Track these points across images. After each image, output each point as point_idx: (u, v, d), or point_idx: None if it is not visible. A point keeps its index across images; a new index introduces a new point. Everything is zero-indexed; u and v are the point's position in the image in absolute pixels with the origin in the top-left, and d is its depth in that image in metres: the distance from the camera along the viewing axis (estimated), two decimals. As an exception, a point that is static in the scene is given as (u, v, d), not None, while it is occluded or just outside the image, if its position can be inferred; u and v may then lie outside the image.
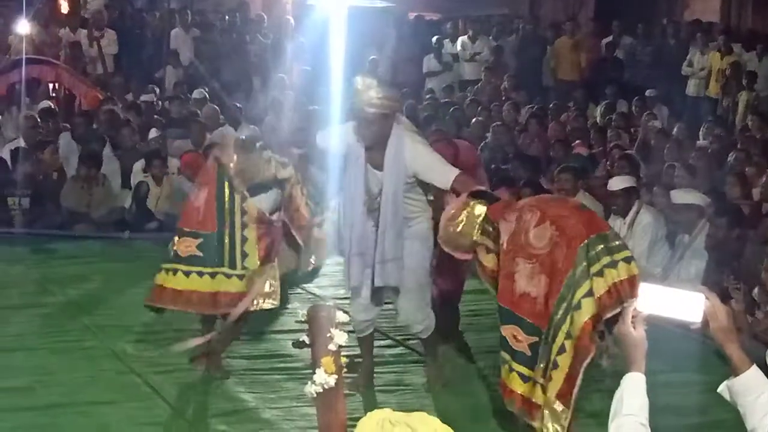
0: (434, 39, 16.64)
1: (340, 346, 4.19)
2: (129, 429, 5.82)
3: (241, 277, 6.26)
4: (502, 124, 12.52)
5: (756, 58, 14.27)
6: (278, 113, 13.41)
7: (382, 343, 7.26)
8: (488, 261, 5.35)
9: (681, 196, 8.47)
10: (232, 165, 6.39)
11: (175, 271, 6.30)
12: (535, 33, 16.94)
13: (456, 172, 5.79)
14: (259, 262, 6.26)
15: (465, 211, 5.43)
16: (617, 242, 5.00)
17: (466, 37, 16.37)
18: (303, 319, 4.33)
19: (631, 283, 4.76)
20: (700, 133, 12.20)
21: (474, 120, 12.96)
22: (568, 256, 4.91)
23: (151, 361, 6.79)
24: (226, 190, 6.31)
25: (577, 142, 12.03)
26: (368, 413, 2.31)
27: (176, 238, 6.36)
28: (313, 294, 8.60)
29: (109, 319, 7.81)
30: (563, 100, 14.32)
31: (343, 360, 4.35)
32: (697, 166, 10.27)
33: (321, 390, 4.19)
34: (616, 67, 15.58)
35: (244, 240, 6.26)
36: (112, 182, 11.07)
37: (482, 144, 11.83)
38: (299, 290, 8.67)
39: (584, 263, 4.86)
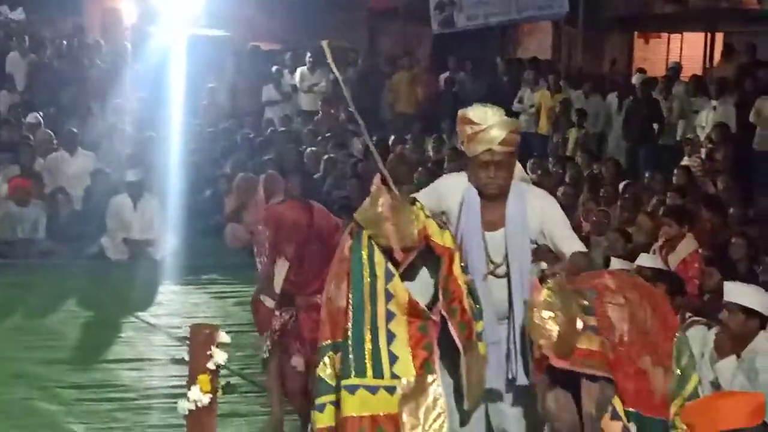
0: (273, 69, 16.68)
1: (219, 366, 4.15)
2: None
3: (391, 390, 4.38)
4: (331, 157, 12.64)
5: (584, 96, 14.82)
6: (115, 139, 13.21)
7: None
8: (596, 344, 4.23)
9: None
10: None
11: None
12: (373, 66, 17.18)
13: (578, 244, 4.72)
14: (414, 372, 4.38)
15: (548, 294, 4.26)
16: None
17: (305, 68, 16.47)
18: (186, 336, 4.26)
19: None
20: (527, 168, 12.59)
21: (308, 150, 13.07)
22: (669, 335, 4.39)
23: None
24: (365, 266, 4.40)
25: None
26: None
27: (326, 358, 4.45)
28: (148, 323, 8.45)
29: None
30: (401, 132, 14.55)
31: (222, 383, 4.29)
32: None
33: (194, 408, 4.12)
34: (452, 101, 15.93)
35: (391, 337, 4.39)
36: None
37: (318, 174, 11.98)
38: (133, 318, 8.52)
39: (685, 358, 4.38)
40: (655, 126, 13.55)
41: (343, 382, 4.31)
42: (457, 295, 4.42)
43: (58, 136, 12.41)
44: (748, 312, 6.00)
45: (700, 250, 8.37)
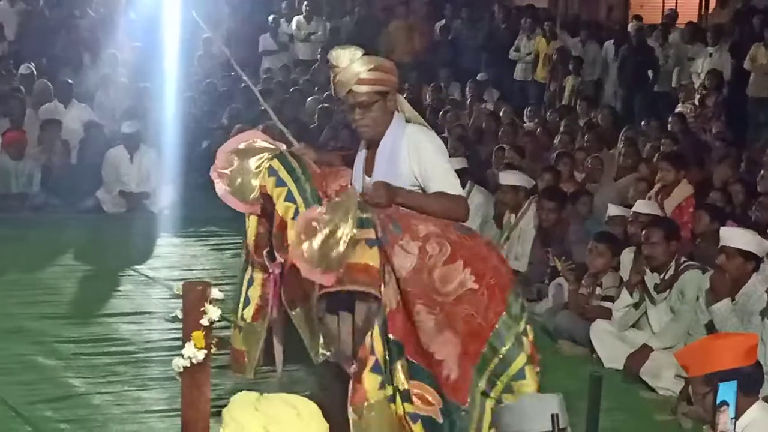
0: (270, 18, 16.56)
1: (212, 323, 4.15)
2: (-49, 417, 5.60)
3: (240, 329, 4.70)
4: (326, 107, 12.58)
5: (581, 44, 14.76)
6: (109, 90, 13.14)
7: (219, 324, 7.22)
8: (372, 258, 4.07)
9: (507, 178, 8.71)
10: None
11: None
12: (369, 15, 17.06)
13: (446, 188, 4.37)
14: (251, 317, 4.64)
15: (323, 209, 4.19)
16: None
17: (301, 16, 16.36)
18: (178, 293, 4.26)
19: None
20: (525, 116, 12.63)
21: (310, 98, 13.05)
22: (492, 308, 4.11)
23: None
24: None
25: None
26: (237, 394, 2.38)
27: None
28: (146, 276, 8.46)
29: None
30: (398, 81, 14.47)
31: (215, 338, 4.31)
32: (526, 148, 10.59)
33: (188, 364, 4.14)
34: (449, 50, 15.86)
35: (251, 282, 4.64)
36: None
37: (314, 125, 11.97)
38: (131, 272, 8.52)
39: (515, 323, 4.14)
40: (650, 73, 13.54)
41: None
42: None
43: (53, 87, 12.34)
44: (746, 255, 6.12)
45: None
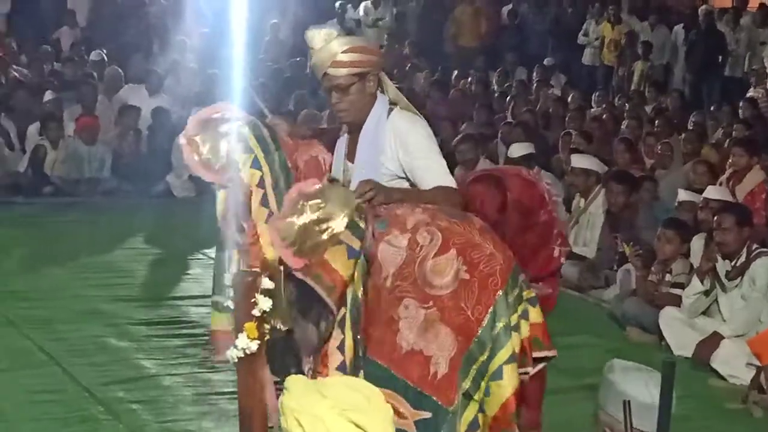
0: (337, 4, 16.60)
1: (264, 312, 4.15)
2: (23, 397, 5.68)
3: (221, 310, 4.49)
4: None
5: (650, 28, 14.59)
6: (179, 76, 13.26)
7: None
8: (345, 268, 3.82)
9: (580, 161, 8.67)
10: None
11: None
12: (436, -1, 17.05)
13: (438, 177, 4.10)
14: None
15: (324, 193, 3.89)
16: (522, 276, 3.90)
17: (368, 2, 16.37)
18: (228, 284, 4.26)
19: (543, 330, 3.91)
20: (593, 101, 12.51)
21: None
22: (482, 301, 3.77)
23: (46, 328, 6.68)
24: None
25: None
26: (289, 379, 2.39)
27: None
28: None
29: (2, 285, 7.61)
30: (464, 67, 14.46)
31: (267, 327, 4.29)
32: (593, 134, 10.50)
33: (242, 355, 4.15)
34: (515, 34, 15.77)
35: (230, 260, 4.34)
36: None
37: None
38: (200, 255, 8.61)
39: (505, 316, 3.77)
40: (720, 58, 13.36)
41: None
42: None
43: (129, 74, 12.51)
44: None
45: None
